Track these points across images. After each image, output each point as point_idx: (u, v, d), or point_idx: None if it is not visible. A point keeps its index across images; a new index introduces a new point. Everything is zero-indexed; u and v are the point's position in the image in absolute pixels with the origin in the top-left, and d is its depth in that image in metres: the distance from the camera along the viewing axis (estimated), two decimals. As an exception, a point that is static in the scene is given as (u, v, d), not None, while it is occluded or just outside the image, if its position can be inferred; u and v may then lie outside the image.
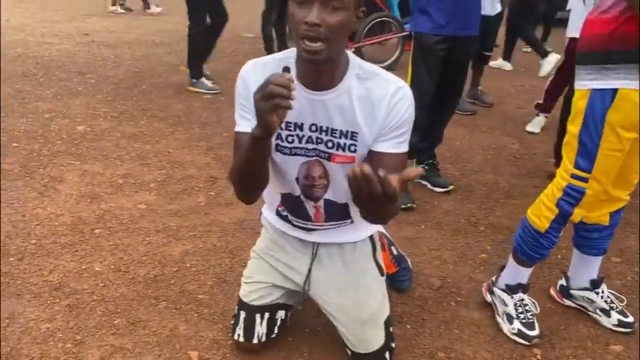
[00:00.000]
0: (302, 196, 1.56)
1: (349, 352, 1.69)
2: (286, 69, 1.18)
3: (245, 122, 1.43)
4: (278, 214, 1.67)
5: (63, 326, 1.85)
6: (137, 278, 2.13)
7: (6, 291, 2.02)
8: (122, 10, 9.15)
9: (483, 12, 2.92)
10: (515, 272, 1.93)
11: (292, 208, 1.61)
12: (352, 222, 1.62)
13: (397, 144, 1.40)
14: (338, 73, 1.36)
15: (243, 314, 1.73)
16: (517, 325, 1.85)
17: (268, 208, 1.74)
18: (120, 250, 2.32)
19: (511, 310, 1.89)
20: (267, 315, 1.72)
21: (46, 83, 4.68)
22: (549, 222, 1.79)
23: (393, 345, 1.70)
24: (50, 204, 2.65)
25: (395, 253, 2.07)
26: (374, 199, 1.07)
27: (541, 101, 4.02)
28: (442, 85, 2.73)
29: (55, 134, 3.55)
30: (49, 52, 5.81)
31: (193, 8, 4.43)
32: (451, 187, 2.95)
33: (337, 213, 1.59)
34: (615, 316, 1.92)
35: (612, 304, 1.95)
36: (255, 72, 1.41)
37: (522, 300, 1.90)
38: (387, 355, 1.66)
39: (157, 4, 9.41)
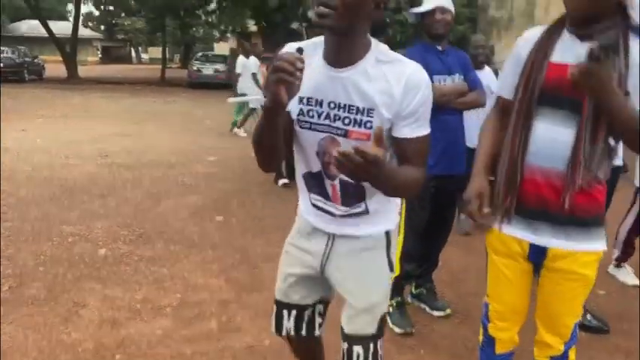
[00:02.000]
0: (322, 172, 1.62)
1: (342, 331, 1.74)
2: (299, 50, 1.31)
3: None
4: (307, 200, 1.74)
5: None
6: (154, 405, 2.29)
7: (33, 418, 2.17)
8: (244, 134, 9.64)
9: (471, 144, 3.25)
10: None
11: (314, 186, 1.67)
12: (368, 212, 1.66)
13: (417, 127, 1.49)
14: (357, 52, 1.45)
15: (274, 308, 1.86)
16: None
17: (300, 194, 1.80)
18: (138, 376, 2.49)
19: None
20: (294, 312, 1.82)
21: (70, 206, 5.04)
22: (481, 336, 2.04)
23: (380, 343, 1.74)
24: (74, 330, 2.86)
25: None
26: (362, 169, 1.22)
27: (619, 253, 3.83)
28: (434, 217, 3.00)
29: (78, 258, 3.81)
30: (72, 175, 6.25)
31: None
32: (448, 311, 3.13)
33: (352, 194, 1.62)
34: None
35: None
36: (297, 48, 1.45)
37: None
38: (371, 346, 1.70)
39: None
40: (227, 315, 3.09)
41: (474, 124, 3.38)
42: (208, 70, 21.74)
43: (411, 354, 2.75)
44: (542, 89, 1.75)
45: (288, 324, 1.84)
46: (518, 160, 1.78)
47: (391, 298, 3.06)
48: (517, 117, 1.80)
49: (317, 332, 1.87)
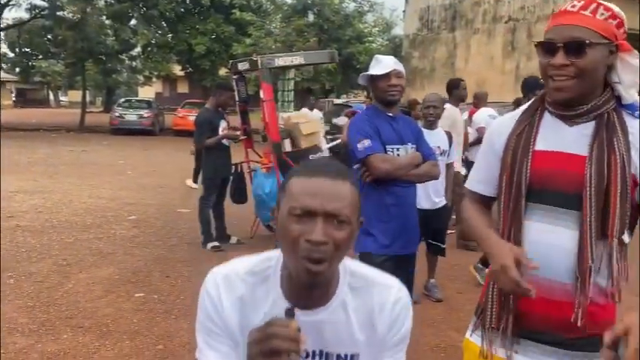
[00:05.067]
0: None
1: None
2: (290, 312, 1.00)
3: (213, 353, 1.17)
4: None
5: None
6: None
7: None
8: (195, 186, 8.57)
9: (419, 206, 2.97)
10: None
11: None
12: None
13: (400, 358, 1.26)
14: (330, 288, 1.19)
15: None
16: None
17: None
18: None
19: None
20: None
21: (-41, 286, 4.29)
22: None
23: None
24: None
25: None
26: None
27: None
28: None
29: (-40, 360, 3.14)
30: (-34, 244, 5.45)
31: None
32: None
33: None
34: None
35: None
36: (228, 290, 1.18)
37: None
38: None
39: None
40: None
41: (421, 187, 3.14)
42: (132, 116, 20.86)
43: None
44: (529, 183, 1.45)
45: None
46: None
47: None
48: (504, 216, 1.49)
49: None
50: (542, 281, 1.41)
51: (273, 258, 1.22)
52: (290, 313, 1.01)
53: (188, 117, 18.17)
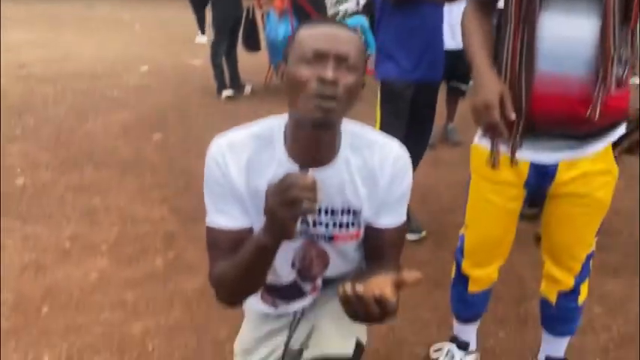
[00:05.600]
0: (298, 280, 1.38)
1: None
2: (304, 168, 1.03)
3: (223, 217, 1.21)
4: (264, 302, 1.48)
5: None
6: (93, 369, 1.90)
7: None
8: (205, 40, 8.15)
9: (447, 46, 2.85)
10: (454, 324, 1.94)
11: (283, 294, 1.43)
12: None
13: (397, 216, 1.27)
14: (335, 144, 1.20)
15: None
16: None
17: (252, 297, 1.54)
18: (72, 332, 2.08)
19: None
20: None
21: (-22, 127, 4.33)
22: (453, 273, 1.81)
23: None
24: (-12, 279, 2.38)
25: None
26: (371, 319, 0.96)
27: None
28: (411, 129, 2.64)
29: (-10, 190, 3.24)
30: (-20, 90, 5.42)
31: None
32: (424, 234, 2.85)
33: (334, 282, 1.41)
34: None
35: None
36: (233, 153, 1.20)
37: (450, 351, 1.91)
38: None
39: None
40: (174, 251, 2.67)
41: (447, 26, 2.97)
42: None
43: (387, 285, 2.45)
44: None
45: None
46: (522, 70, 1.39)
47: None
48: (516, 13, 1.38)
49: None
50: (558, 77, 1.36)
51: (275, 122, 1.22)
52: (304, 169, 1.03)
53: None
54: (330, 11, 5.51)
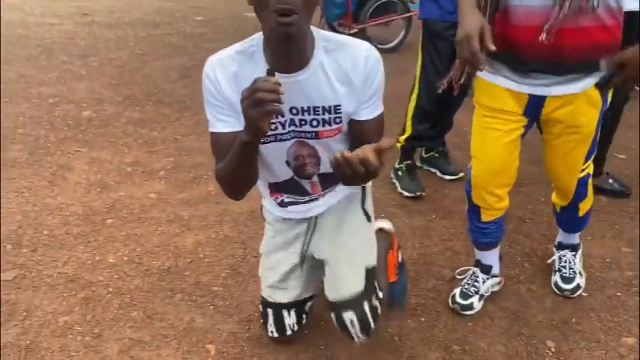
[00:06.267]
0: (295, 177, 1.55)
1: (327, 302, 1.61)
2: (271, 72, 1.17)
3: (221, 123, 1.40)
4: (275, 201, 1.67)
5: (80, 319, 1.87)
6: (151, 270, 2.14)
7: (22, 283, 2.03)
8: None
9: None
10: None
11: (287, 190, 1.61)
12: None
13: (375, 108, 1.43)
14: (308, 50, 1.34)
15: (270, 312, 1.74)
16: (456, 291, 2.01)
17: (265, 198, 1.74)
18: (132, 240, 2.33)
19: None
20: (293, 309, 1.74)
21: (49, 67, 4.64)
22: (466, 204, 1.95)
23: (377, 304, 1.60)
24: (60, 193, 2.65)
25: (400, 260, 1.95)
26: (359, 178, 1.17)
27: None
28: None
29: (60, 120, 3.53)
30: (50, 34, 5.74)
31: None
32: (461, 174, 2.94)
33: (334, 180, 1.59)
34: (554, 278, 2.11)
35: (562, 267, 2.10)
36: (222, 68, 1.37)
37: (474, 274, 2.03)
38: (366, 307, 1.54)
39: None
40: (225, 179, 2.88)
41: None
42: None
43: (421, 218, 2.59)
44: None
45: (290, 320, 1.74)
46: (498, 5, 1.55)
47: (400, 162, 2.86)
48: None
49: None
50: (525, 9, 1.51)
51: (255, 38, 1.36)
52: (270, 72, 1.16)
53: None
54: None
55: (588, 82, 1.60)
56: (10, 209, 2.49)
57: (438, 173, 2.99)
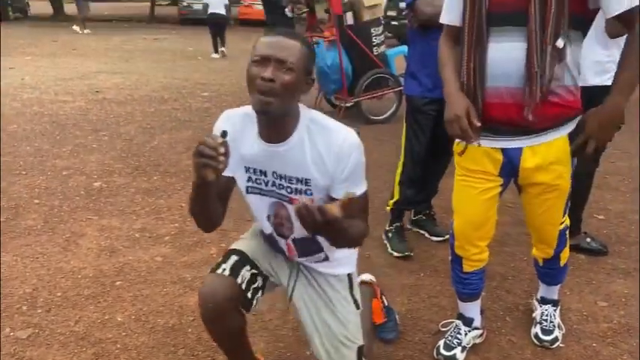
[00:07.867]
0: (274, 234, 1.70)
1: None
2: (224, 133, 1.33)
3: None
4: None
5: (91, 373, 2.01)
6: (157, 327, 2.30)
7: (36, 341, 2.18)
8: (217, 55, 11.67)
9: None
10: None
11: (270, 243, 1.78)
12: (328, 259, 1.72)
13: (352, 188, 1.49)
14: (290, 127, 1.50)
15: (235, 258, 1.71)
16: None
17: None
18: (139, 300, 2.49)
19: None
20: (247, 267, 1.70)
21: (62, 141, 4.95)
22: (450, 255, 2.11)
23: None
24: (73, 258, 2.84)
25: (385, 303, 2.19)
26: (318, 226, 1.27)
27: None
28: (435, 142, 2.94)
29: (73, 190, 3.77)
30: (63, 110, 6.11)
31: None
32: (447, 237, 3.12)
33: (309, 248, 1.68)
34: (535, 330, 2.25)
35: (543, 320, 2.25)
36: (228, 123, 1.57)
37: (456, 326, 2.18)
38: None
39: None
40: (227, 242, 3.07)
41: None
42: (198, 5, 21.00)
43: (410, 276, 2.76)
44: (488, 10, 1.71)
45: (246, 274, 1.69)
46: (477, 86, 1.77)
47: (390, 224, 3.06)
48: (468, 43, 1.76)
49: (251, 309, 1.72)
50: (503, 89, 1.73)
51: None
52: (223, 134, 1.31)
53: (253, 6, 18.12)
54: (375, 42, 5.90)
55: (558, 134, 1.80)
56: (27, 273, 2.68)
57: (426, 235, 3.18)
